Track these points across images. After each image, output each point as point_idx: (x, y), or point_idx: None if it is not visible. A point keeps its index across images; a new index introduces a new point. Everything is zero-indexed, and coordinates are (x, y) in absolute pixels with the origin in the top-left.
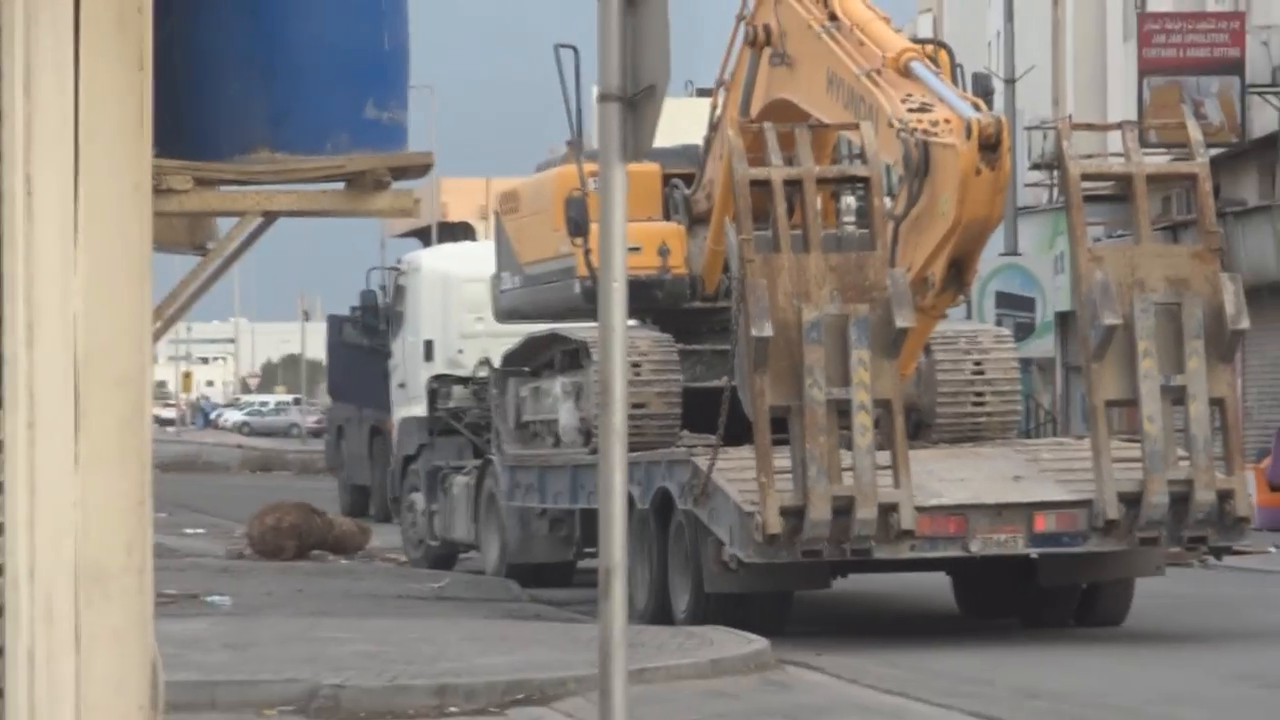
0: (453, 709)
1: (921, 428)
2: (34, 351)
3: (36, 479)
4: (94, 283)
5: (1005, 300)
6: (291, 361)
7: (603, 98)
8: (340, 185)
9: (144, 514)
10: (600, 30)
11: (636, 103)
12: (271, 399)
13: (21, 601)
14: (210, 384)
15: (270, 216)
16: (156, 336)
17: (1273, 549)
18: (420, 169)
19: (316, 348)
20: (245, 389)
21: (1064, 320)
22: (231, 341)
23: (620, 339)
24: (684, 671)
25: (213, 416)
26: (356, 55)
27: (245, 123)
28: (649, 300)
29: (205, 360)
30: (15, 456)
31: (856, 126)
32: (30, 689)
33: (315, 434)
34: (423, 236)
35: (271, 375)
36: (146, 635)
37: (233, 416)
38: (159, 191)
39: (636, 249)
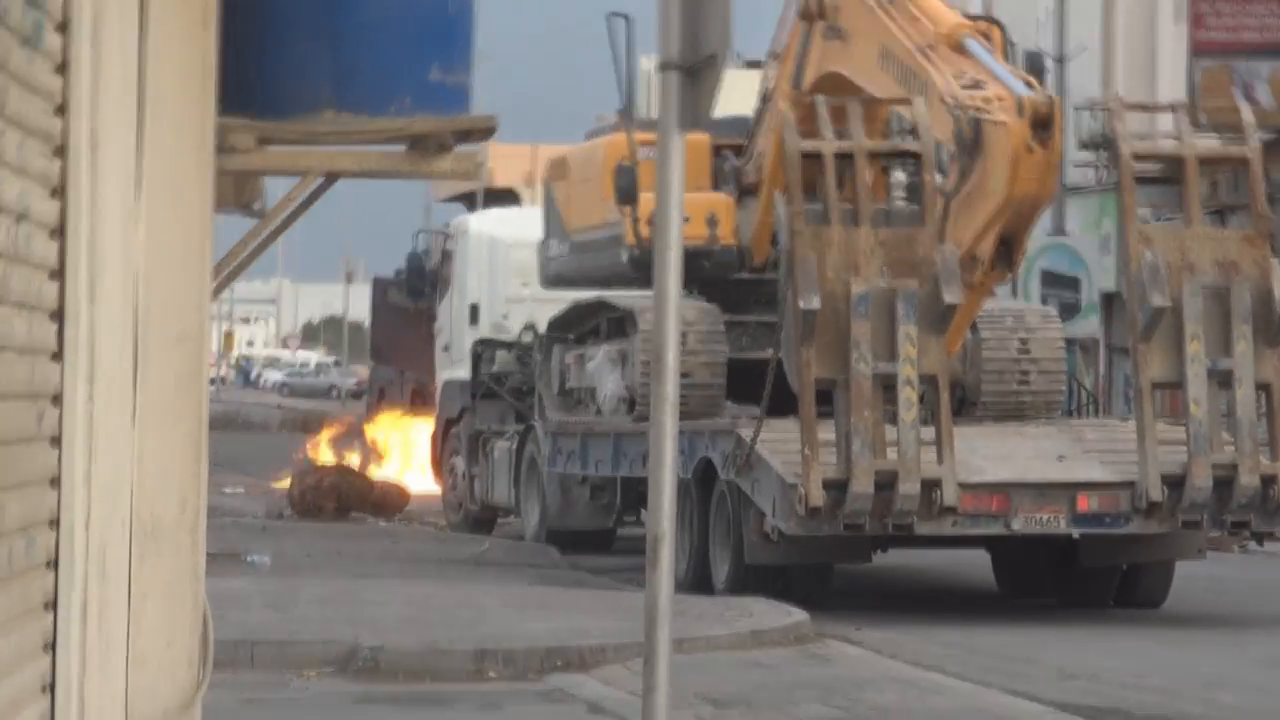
0: (492, 674)
1: (966, 404)
2: (95, 306)
3: (95, 433)
4: (155, 239)
5: (1051, 280)
6: (332, 323)
7: (663, 66)
8: (402, 147)
9: (199, 470)
10: None
11: (696, 72)
12: (312, 357)
13: (76, 555)
14: (250, 344)
15: (332, 177)
16: (214, 294)
17: None
18: (483, 132)
19: (359, 310)
20: (285, 349)
21: (1109, 301)
22: (273, 302)
23: (674, 307)
24: (723, 642)
25: (252, 377)
26: (422, 18)
27: (310, 83)
28: (696, 270)
29: (246, 320)
30: (74, 410)
31: (909, 102)
32: (82, 642)
33: (355, 395)
34: (468, 201)
35: (312, 336)
36: (198, 591)
37: (272, 377)
38: (222, 149)
39: (685, 219)
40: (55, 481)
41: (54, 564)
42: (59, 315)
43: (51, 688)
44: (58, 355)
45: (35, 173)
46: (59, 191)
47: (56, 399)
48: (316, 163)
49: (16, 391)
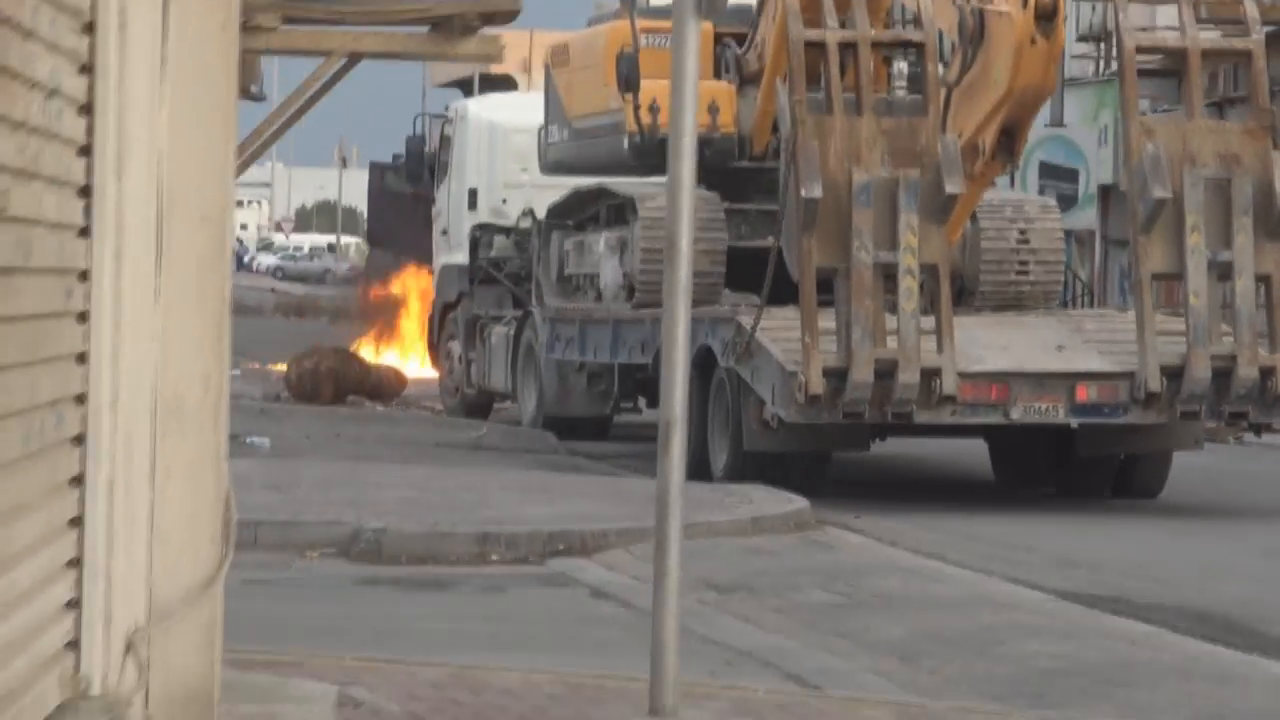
0: (494, 557)
1: (965, 294)
2: (122, 183)
3: (122, 310)
4: (180, 118)
5: (1049, 171)
6: (326, 208)
7: None
8: (425, 29)
9: (221, 350)
10: None
11: None
12: (305, 240)
13: (103, 431)
14: (244, 227)
15: (355, 58)
16: (236, 174)
17: None
18: (507, 15)
19: (352, 195)
20: (279, 231)
21: (1106, 193)
22: (267, 185)
23: (688, 193)
24: (724, 528)
25: (246, 260)
26: None
27: None
28: (697, 158)
29: (240, 203)
30: (101, 286)
31: None
32: (109, 518)
33: (349, 280)
34: (465, 87)
35: (305, 221)
36: (220, 469)
37: (266, 261)
38: (247, 28)
39: None
40: (82, 358)
41: (81, 440)
42: (87, 192)
43: (79, 563)
44: (85, 231)
45: (66, 49)
46: (88, 68)
47: (84, 275)
48: (340, 43)
49: (46, 267)
